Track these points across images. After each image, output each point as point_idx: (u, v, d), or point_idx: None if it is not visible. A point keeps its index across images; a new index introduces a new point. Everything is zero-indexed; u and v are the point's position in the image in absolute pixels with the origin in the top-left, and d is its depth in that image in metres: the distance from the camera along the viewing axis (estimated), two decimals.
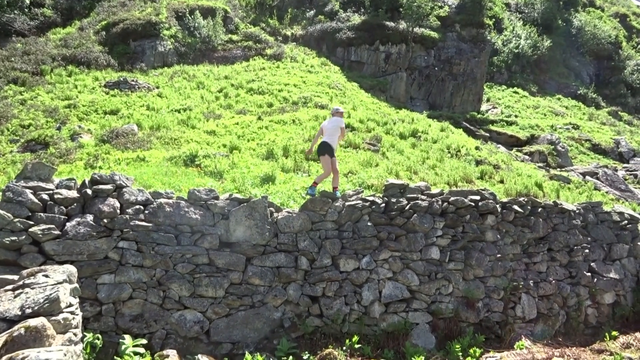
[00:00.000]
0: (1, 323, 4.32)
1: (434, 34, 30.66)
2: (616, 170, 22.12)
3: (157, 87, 20.65)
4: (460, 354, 8.68)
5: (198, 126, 16.14)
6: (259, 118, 17.33)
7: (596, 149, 26.76)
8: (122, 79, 20.22)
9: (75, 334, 4.80)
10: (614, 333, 10.23)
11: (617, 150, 26.76)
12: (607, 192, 17.69)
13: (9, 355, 3.77)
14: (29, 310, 4.51)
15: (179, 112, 17.59)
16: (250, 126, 16.36)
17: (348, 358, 8.00)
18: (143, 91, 19.76)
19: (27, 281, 5.04)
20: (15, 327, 4.18)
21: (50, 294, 4.68)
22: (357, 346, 8.29)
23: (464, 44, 31.40)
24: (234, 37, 27.84)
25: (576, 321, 10.86)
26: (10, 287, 5.07)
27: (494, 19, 39.42)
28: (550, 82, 40.60)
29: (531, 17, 44.38)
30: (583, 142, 27.14)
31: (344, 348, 8.16)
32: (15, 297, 4.73)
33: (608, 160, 25.38)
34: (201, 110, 17.94)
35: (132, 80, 20.26)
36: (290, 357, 7.84)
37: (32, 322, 4.23)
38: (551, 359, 8.45)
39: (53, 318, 4.58)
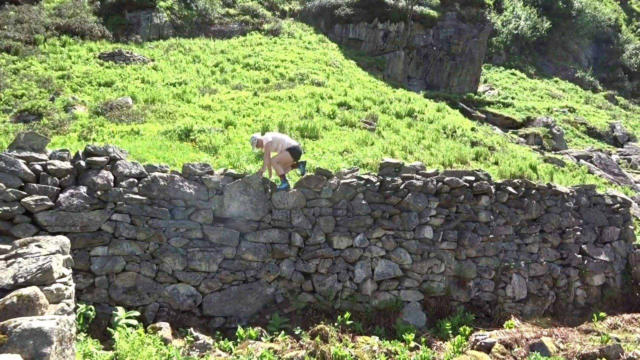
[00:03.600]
0: None
1: (434, 13, 30.32)
2: (610, 154, 22.21)
3: (153, 60, 20.39)
4: (450, 332, 8.80)
5: (193, 100, 16.00)
6: (255, 94, 17.18)
7: (591, 132, 26.82)
8: (117, 51, 19.94)
9: (68, 304, 4.80)
10: (602, 314, 10.39)
11: (612, 134, 26.83)
12: (600, 176, 17.79)
13: (1, 322, 3.77)
14: (21, 280, 4.49)
15: (174, 85, 17.42)
16: (246, 102, 16.22)
17: (339, 334, 8.08)
18: (138, 63, 19.51)
19: (19, 251, 5.01)
20: (8, 296, 4.17)
21: (43, 264, 4.67)
22: (348, 322, 8.37)
23: (463, 23, 31.08)
24: (231, 11, 27.43)
25: (565, 302, 11.02)
26: (2, 256, 5.05)
27: None
28: (548, 65, 40.46)
29: None
30: (578, 125, 27.18)
31: (336, 324, 8.24)
32: (7, 266, 4.71)
33: (603, 144, 25.46)
34: (197, 85, 17.76)
35: (127, 52, 19.98)
36: (282, 332, 7.91)
37: (25, 291, 4.22)
38: (539, 338, 8.59)
39: (46, 288, 4.57)
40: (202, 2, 25.91)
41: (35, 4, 23.74)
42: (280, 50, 23.91)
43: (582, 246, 11.54)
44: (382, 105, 18.27)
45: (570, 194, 11.72)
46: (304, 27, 28.33)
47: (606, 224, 12.04)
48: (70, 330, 4.17)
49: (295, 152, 9.12)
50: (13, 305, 4.09)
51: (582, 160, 19.70)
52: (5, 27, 20.25)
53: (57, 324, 3.85)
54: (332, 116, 15.75)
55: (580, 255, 11.36)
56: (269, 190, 8.96)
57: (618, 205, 12.37)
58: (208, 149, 11.57)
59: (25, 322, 3.75)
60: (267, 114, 15.07)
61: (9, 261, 4.85)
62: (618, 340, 8.81)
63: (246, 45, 24.11)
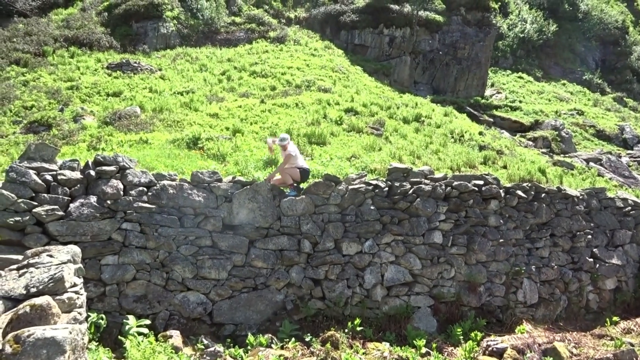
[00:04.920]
0: (6, 301, 4.35)
1: (439, 18, 30.32)
2: (620, 157, 22.03)
3: (160, 69, 20.53)
4: (461, 337, 8.74)
5: (201, 109, 16.07)
6: (262, 101, 17.23)
7: (600, 135, 26.61)
8: (124, 61, 20.10)
9: (80, 313, 4.83)
10: (615, 318, 10.26)
11: (621, 137, 26.60)
12: (610, 179, 17.64)
13: (15, 332, 3.80)
14: (33, 290, 4.53)
15: (182, 94, 17.51)
16: (253, 109, 16.27)
17: (350, 340, 8.05)
18: (146, 73, 19.66)
19: (31, 261, 5.05)
20: (21, 306, 4.20)
21: (55, 274, 4.70)
22: (359, 329, 8.35)
23: (469, 28, 31.04)
24: (237, 19, 27.58)
25: (577, 306, 10.91)
26: (15, 266, 5.09)
27: (499, 3, 38.96)
28: (555, 68, 40.27)
29: (537, 1, 43.79)
30: (587, 128, 26.98)
31: (346, 331, 8.22)
32: (20, 276, 4.74)
33: (612, 146, 25.25)
34: (204, 93, 17.85)
35: (135, 62, 20.14)
36: (293, 339, 7.90)
37: (38, 300, 4.25)
38: (552, 343, 8.50)
39: (58, 297, 4.60)
40: (208, 11, 26.08)
41: (44, 17, 24.01)
42: (286, 57, 23.99)
43: (594, 250, 11.44)
44: (389, 111, 18.25)
45: (581, 197, 11.64)
46: (310, 34, 28.42)
47: (617, 227, 11.93)
48: (82, 339, 4.19)
49: (305, 174, 9.29)
50: (26, 314, 4.12)
51: (591, 163, 19.56)
52: (15, 39, 20.48)
53: (70, 333, 3.87)
54: (339, 122, 15.76)
55: (591, 259, 11.26)
56: (277, 197, 8.97)
57: (629, 208, 12.25)
58: (216, 157, 11.61)
59: (38, 331, 3.77)
60: (274, 121, 15.11)
61: (21, 271, 4.89)
62: (632, 344, 8.70)
63: (252, 53, 24.21)
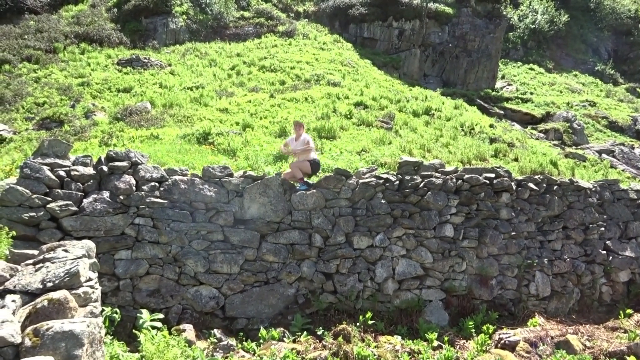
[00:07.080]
0: (24, 296, 4.41)
1: (449, 10, 30.08)
2: (633, 148, 21.78)
3: (170, 65, 20.59)
4: (473, 330, 8.73)
5: (211, 104, 16.11)
6: (272, 96, 17.24)
7: (613, 126, 26.30)
8: (134, 57, 20.18)
9: (95, 307, 4.89)
10: (629, 311, 10.21)
11: (634, 128, 26.29)
12: (623, 170, 17.47)
13: (34, 326, 3.86)
14: (50, 284, 4.58)
15: (192, 89, 17.56)
16: (262, 104, 16.28)
17: (362, 334, 8.08)
18: (155, 69, 19.73)
19: (47, 256, 5.12)
20: (39, 300, 4.27)
21: (71, 268, 4.76)
22: (370, 322, 8.37)
23: (478, 19, 30.77)
24: (246, 14, 27.57)
25: (590, 299, 10.85)
26: (31, 261, 5.16)
27: None
28: (566, 58, 39.83)
29: None
30: (599, 119, 26.68)
31: (358, 324, 8.24)
32: (36, 271, 4.81)
33: (625, 138, 24.95)
34: (213, 88, 17.89)
35: (145, 58, 20.21)
36: (305, 333, 7.94)
37: (55, 294, 4.31)
38: (565, 336, 8.47)
39: (74, 291, 4.66)
40: (217, 6, 26.10)
41: (55, 13, 24.16)
42: (295, 51, 23.94)
43: (607, 242, 11.35)
44: (398, 104, 18.18)
45: (593, 189, 11.55)
46: (319, 28, 28.33)
47: (631, 219, 11.83)
48: (99, 332, 4.25)
49: (315, 166, 9.21)
50: (44, 308, 4.18)
51: (604, 155, 19.37)
52: (26, 36, 20.63)
53: (88, 326, 3.92)
54: (348, 116, 15.73)
55: (604, 252, 11.19)
56: (288, 191, 8.99)
57: None
58: (226, 152, 11.65)
59: (57, 325, 3.83)
60: (284, 116, 15.11)
61: (37, 266, 4.95)
62: None
63: (261, 47, 24.20)
